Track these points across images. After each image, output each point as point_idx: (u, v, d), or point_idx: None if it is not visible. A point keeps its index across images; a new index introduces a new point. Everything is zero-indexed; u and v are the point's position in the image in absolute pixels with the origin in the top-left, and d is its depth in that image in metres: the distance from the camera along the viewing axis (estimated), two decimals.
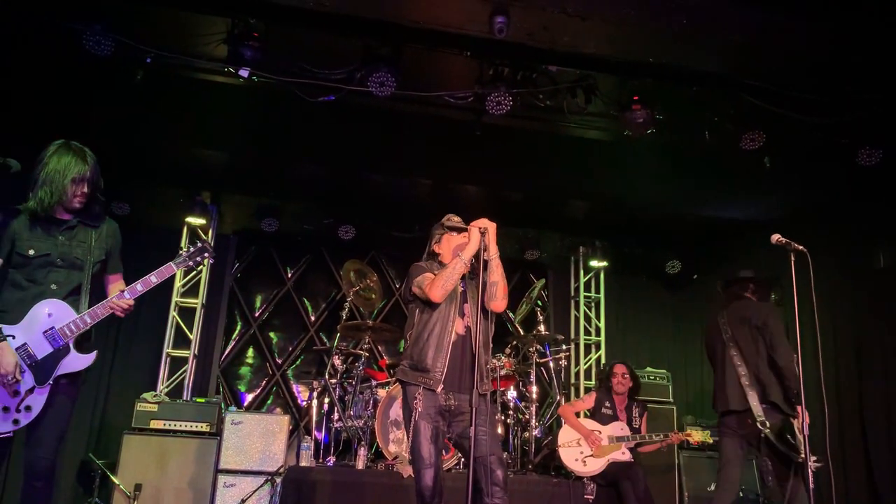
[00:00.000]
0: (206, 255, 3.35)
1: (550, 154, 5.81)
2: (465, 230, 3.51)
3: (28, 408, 2.98)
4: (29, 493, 2.98)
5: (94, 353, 3.16)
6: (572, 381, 8.02)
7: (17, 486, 3.05)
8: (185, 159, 6.11)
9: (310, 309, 7.74)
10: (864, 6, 3.96)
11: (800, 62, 4.41)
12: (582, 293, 8.22)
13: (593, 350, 8.12)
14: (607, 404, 5.65)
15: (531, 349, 6.43)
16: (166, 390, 6.68)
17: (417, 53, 4.52)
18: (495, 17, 3.96)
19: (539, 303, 7.65)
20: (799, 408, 4.05)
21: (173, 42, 4.43)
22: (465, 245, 3.44)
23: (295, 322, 7.68)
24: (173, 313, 6.99)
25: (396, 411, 5.51)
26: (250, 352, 7.52)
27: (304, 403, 7.17)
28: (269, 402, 7.41)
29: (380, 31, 4.36)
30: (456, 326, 3.45)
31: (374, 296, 6.60)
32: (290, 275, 7.79)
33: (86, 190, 3.14)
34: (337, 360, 6.14)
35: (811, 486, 3.44)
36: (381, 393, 5.67)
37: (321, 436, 6.00)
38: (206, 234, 7.11)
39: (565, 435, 5.54)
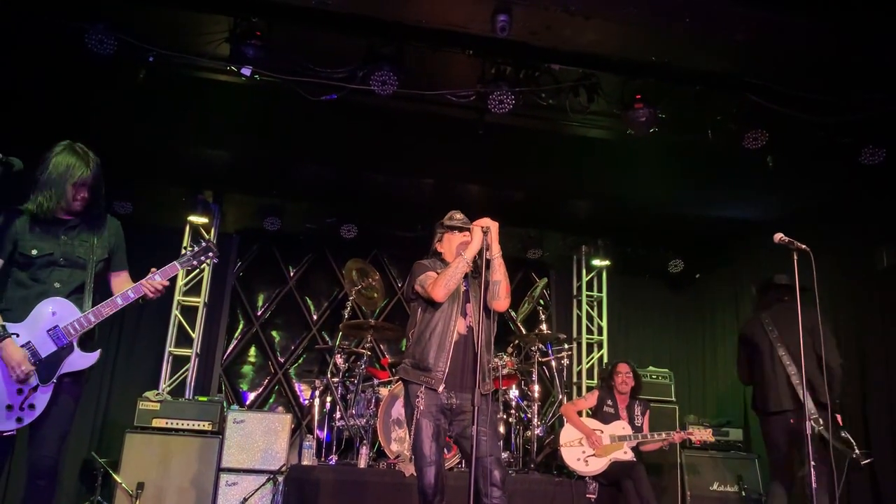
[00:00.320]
0: (210, 254, 3.35)
1: (553, 153, 5.80)
2: (467, 229, 3.51)
3: (31, 406, 2.98)
4: (32, 491, 2.98)
5: (98, 351, 3.16)
6: (574, 380, 8.02)
7: (20, 484, 3.05)
8: (188, 158, 6.12)
9: (312, 308, 7.75)
10: (866, 5, 3.95)
11: (803, 61, 4.40)
12: (584, 292, 8.22)
13: (595, 349, 8.12)
14: (609, 403, 5.65)
15: (533, 348, 6.42)
16: (168, 389, 6.70)
17: (420, 52, 4.51)
18: (498, 16, 3.96)
19: (541, 302, 7.65)
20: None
21: (175, 41, 4.43)
22: (468, 243, 3.44)
23: (297, 321, 7.69)
24: (175, 312, 7.00)
25: (398, 410, 5.52)
26: (252, 350, 7.54)
27: (306, 402, 7.19)
28: (271, 400, 7.42)
29: (382, 29, 4.36)
30: (458, 326, 3.45)
31: (376, 295, 6.60)
32: (292, 274, 7.80)
33: (86, 194, 3.14)
34: (339, 359, 6.15)
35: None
36: (383, 392, 5.67)
37: (323, 434, 6.00)
38: (208, 233, 7.12)
39: (567, 434, 5.54)
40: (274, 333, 7.62)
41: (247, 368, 7.48)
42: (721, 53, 4.37)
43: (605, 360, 7.86)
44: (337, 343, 6.41)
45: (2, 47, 4.51)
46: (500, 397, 5.99)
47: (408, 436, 3.95)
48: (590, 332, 8.18)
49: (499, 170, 6.07)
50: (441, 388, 3.35)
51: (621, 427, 5.52)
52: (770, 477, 4.79)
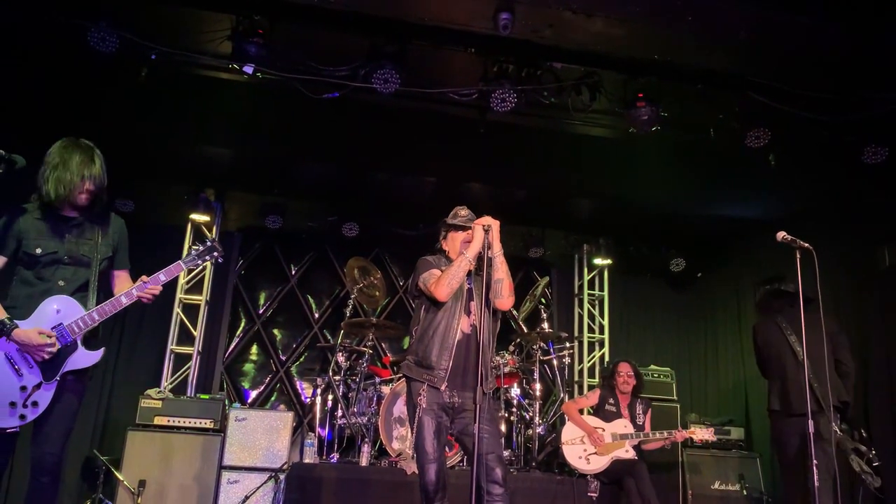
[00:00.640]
0: (215, 254, 3.36)
1: (555, 152, 5.80)
2: (468, 228, 3.52)
3: (35, 403, 2.98)
4: (35, 488, 2.99)
5: (102, 349, 3.16)
6: (576, 378, 8.03)
7: (23, 481, 3.05)
8: (190, 156, 6.12)
9: (314, 306, 7.75)
10: (869, 3, 3.94)
11: (805, 59, 4.39)
12: (586, 291, 8.22)
13: (597, 347, 8.11)
14: (611, 401, 5.65)
15: (535, 346, 6.43)
16: (170, 387, 6.70)
17: (422, 50, 4.51)
18: (500, 14, 3.97)
19: (543, 300, 7.65)
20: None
21: (177, 39, 4.44)
22: (470, 242, 3.44)
23: (299, 319, 7.70)
24: (177, 310, 7.01)
25: (400, 408, 5.53)
26: (254, 349, 7.55)
27: (308, 400, 7.19)
28: (272, 398, 7.43)
29: (384, 28, 4.36)
30: (462, 324, 3.45)
31: (377, 293, 6.60)
32: (293, 272, 7.80)
33: (92, 187, 3.15)
34: (340, 357, 6.15)
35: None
36: (385, 390, 5.68)
37: (325, 432, 6.01)
38: (210, 231, 7.12)
39: (569, 432, 5.54)
40: (276, 331, 7.63)
41: (248, 366, 7.48)
42: (723, 52, 4.36)
43: (607, 358, 7.86)
44: (338, 341, 6.41)
45: (3, 45, 4.51)
46: (500, 395, 6.00)
47: (409, 433, 3.95)
48: (591, 330, 8.18)
49: (500, 168, 6.07)
50: (443, 387, 3.35)
51: (623, 425, 5.52)
52: (783, 482, 4.79)
